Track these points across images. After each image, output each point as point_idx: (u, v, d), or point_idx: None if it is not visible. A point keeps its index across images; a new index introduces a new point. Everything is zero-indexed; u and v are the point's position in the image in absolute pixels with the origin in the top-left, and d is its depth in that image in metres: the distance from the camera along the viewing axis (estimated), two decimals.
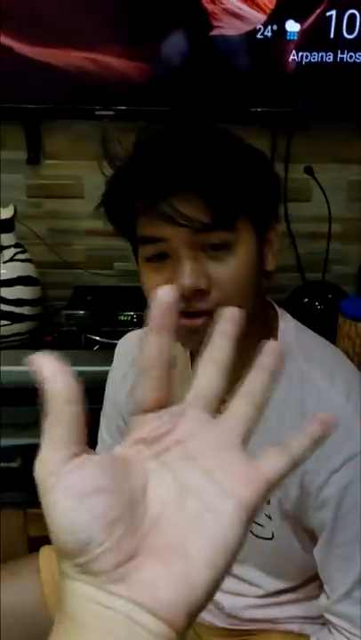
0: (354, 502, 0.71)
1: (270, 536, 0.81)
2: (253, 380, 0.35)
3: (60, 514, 0.30)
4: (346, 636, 0.75)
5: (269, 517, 0.80)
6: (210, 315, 0.67)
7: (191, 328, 0.68)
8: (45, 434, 0.31)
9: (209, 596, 0.30)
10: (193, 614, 0.29)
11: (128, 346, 0.93)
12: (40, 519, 0.31)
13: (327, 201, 1.49)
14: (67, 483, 0.30)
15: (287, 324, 0.80)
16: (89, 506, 0.29)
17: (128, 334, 0.96)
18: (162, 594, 0.29)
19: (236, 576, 0.88)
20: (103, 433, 0.97)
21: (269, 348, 0.36)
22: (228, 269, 0.68)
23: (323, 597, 0.78)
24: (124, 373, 0.90)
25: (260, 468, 0.32)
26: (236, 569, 0.87)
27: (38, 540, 1.11)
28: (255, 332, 0.70)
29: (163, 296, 0.36)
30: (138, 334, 0.93)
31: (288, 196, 1.51)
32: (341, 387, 0.74)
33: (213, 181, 0.66)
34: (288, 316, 0.82)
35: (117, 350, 0.94)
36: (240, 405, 0.34)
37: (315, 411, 0.72)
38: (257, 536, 0.82)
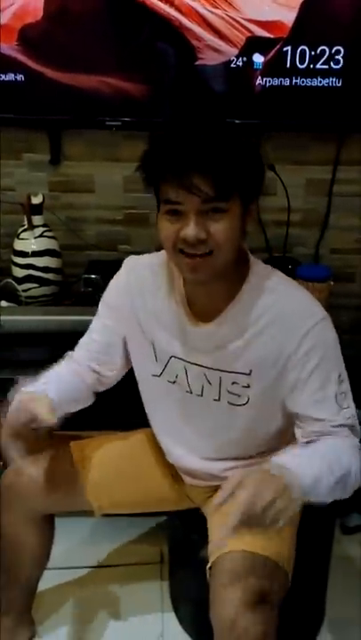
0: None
1: (245, 401, 1.11)
2: None
3: None
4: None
5: (248, 386, 1.09)
6: (204, 257, 0.99)
7: (191, 265, 1.01)
8: None
9: None
10: None
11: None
12: None
13: (287, 195, 1.88)
14: None
15: (256, 262, 1.13)
16: None
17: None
18: None
19: (219, 444, 1.18)
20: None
21: None
22: (222, 226, 0.98)
23: (298, 432, 1.08)
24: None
25: None
26: (219, 438, 1.17)
27: None
28: (233, 267, 1.05)
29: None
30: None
31: None
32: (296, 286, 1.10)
33: (221, 166, 0.93)
34: (258, 260, 1.14)
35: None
36: None
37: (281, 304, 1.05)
38: (233, 404, 1.13)
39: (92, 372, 1.25)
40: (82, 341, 1.27)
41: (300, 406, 1.07)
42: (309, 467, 0.94)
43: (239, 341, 1.09)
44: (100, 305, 1.24)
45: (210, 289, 1.08)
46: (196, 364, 1.14)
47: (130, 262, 1.21)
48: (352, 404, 1.08)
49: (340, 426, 1.05)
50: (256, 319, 1.08)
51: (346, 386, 1.08)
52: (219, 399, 1.14)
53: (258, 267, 1.11)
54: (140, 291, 1.17)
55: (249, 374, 1.10)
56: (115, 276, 1.22)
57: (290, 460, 0.95)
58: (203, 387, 1.15)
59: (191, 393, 1.17)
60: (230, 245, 1.00)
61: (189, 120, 0.98)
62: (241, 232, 1.03)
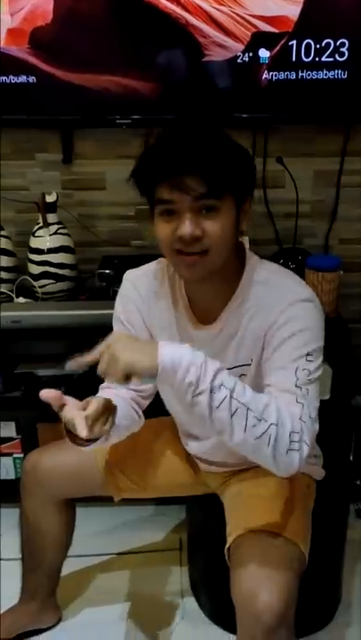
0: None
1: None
2: None
3: None
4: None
5: (245, 375, 1.12)
6: (201, 255, 1.03)
7: (188, 263, 1.05)
8: None
9: None
10: None
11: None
12: None
13: (296, 187, 1.91)
14: None
15: (252, 258, 1.14)
16: None
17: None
18: None
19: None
20: None
21: None
22: (216, 224, 1.01)
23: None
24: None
25: None
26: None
27: None
28: (230, 265, 1.09)
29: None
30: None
31: (266, 183, 1.93)
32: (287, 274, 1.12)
33: (210, 166, 0.98)
34: (256, 256, 1.15)
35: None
36: None
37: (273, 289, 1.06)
38: None
39: (131, 392, 1.24)
40: None
41: (264, 372, 1.08)
42: (190, 355, 0.93)
43: (237, 336, 1.12)
44: (114, 326, 1.24)
45: (210, 290, 1.11)
46: None
47: (129, 275, 1.23)
48: (313, 391, 1.03)
49: (287, 392, 1.01)
50: (248, 311, 1.10)
51: (314, 367, 1.03)
52: None
53: (252, 263, 1.13)
54: (143, 300, 1.19)
55: (251, 364, 1.12)
56: (119, 292, 1.23)
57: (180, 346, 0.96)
58: None
59: None
60: (225, 244, 1.03)
61: (181, 126, 1.02)
62: (235, 231, 1.05)
